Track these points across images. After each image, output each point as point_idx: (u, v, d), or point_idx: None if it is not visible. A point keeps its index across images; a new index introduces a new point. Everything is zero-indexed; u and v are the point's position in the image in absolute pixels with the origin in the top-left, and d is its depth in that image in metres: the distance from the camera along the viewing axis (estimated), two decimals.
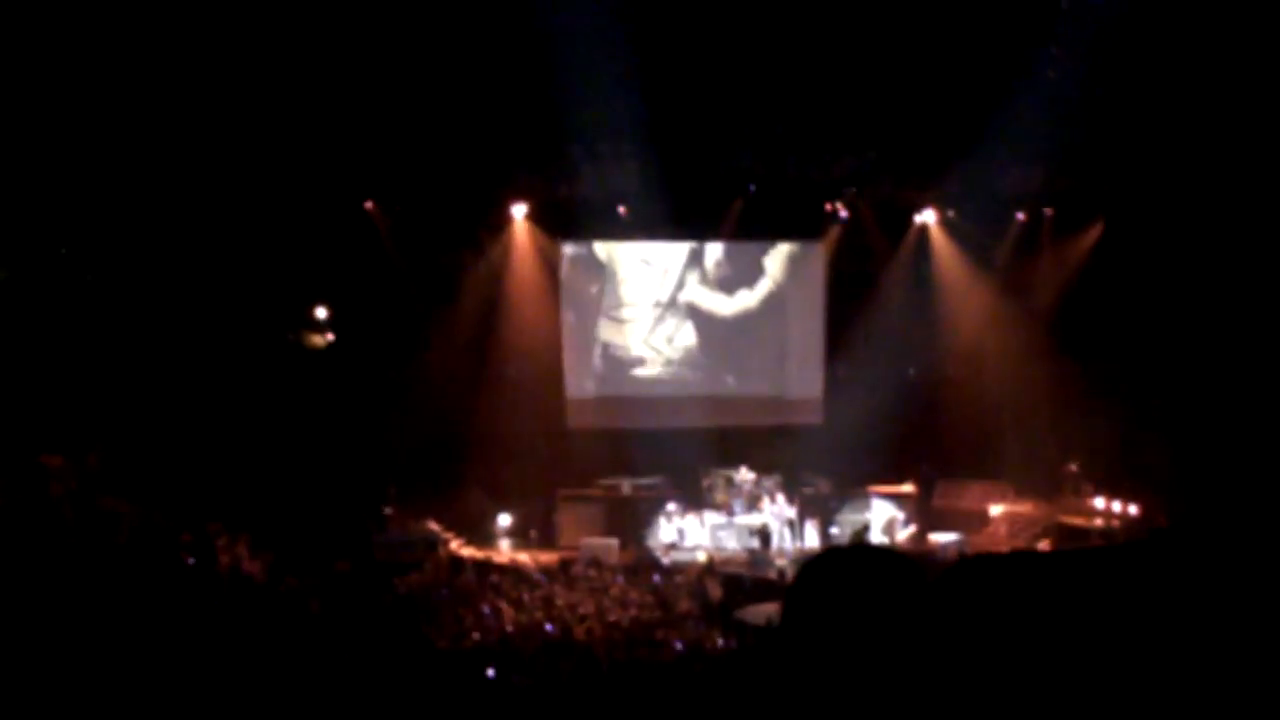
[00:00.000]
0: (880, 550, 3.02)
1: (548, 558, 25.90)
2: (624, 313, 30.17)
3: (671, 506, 27.73)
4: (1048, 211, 29.98)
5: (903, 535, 27.89)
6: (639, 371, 30.25)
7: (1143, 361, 27.35)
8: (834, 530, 27.86)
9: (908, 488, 28.80)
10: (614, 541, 26.66)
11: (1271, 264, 25.43)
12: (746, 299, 30.51)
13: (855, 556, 3.06)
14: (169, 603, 17.62)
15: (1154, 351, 27.11)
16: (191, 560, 19.89)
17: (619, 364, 30.21)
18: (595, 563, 24.72)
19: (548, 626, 19.92)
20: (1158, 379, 26.94)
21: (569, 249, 29.98)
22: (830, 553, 3.07)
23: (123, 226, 25.78)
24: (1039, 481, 28.96)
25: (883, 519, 28.16)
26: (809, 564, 3.06)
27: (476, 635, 19.59)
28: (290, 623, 18.82)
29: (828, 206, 30.27)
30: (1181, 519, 24.66)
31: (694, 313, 30.33)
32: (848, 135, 28.38)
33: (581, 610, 20.97)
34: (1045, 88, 24.87)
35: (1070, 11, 24.79)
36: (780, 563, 25.75)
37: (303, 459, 24.92)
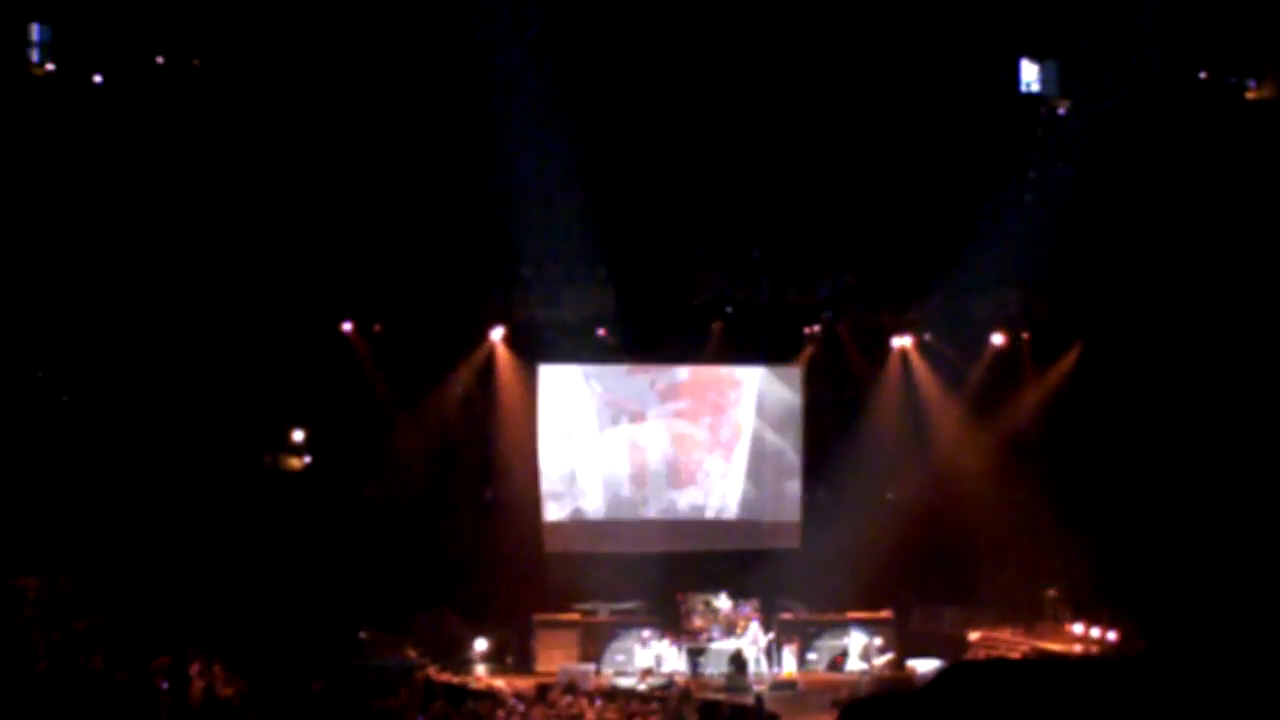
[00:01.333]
0: (913, 695, 3.00)
1: (524, 683, 25.60)
2: (601, 436, 30.07)
3: (647, 633, 27.50)
4: (1025, 335, 30.07)
5: (880, 661, 27.67)
6: (616, 495, 30.08)
7: (1121, 486, 27.37)
8: (811, 656, 27.70)
9: (885, 613, 28.60)
10: (591, 667, 26.44)
11: (1245, 388, 25.54)
12: (725, 422, 30.46)
13: (892, 705, 3.02)
14: None
15: (1133, 476, 27.15)
16: (165, 684, 19.65)
17: (596, 487, 30.04)
18: (573, 688, 24.44)
19: None
20: (1136, 504, 26.95)
21: (546, 371, 29.90)
22: (867, 703, 3.03)
23: (98, 349, 25.75)
24: (1018, 607, 28.84)
25: (860, 645, 27.97)
26: (852, 708, 3.02)
27: None
28: None
29: (805, 329, 30.35)
30: (1159, 644, 24.56)
31: (672, 436, 30.25)
32: (824, 259, 28.57)
33: None
34: (1022, 212, 25.09)
35: (1046, 136, 25.08)
36: (758, 689, 25.52)
37: (279, 582, 24.74)
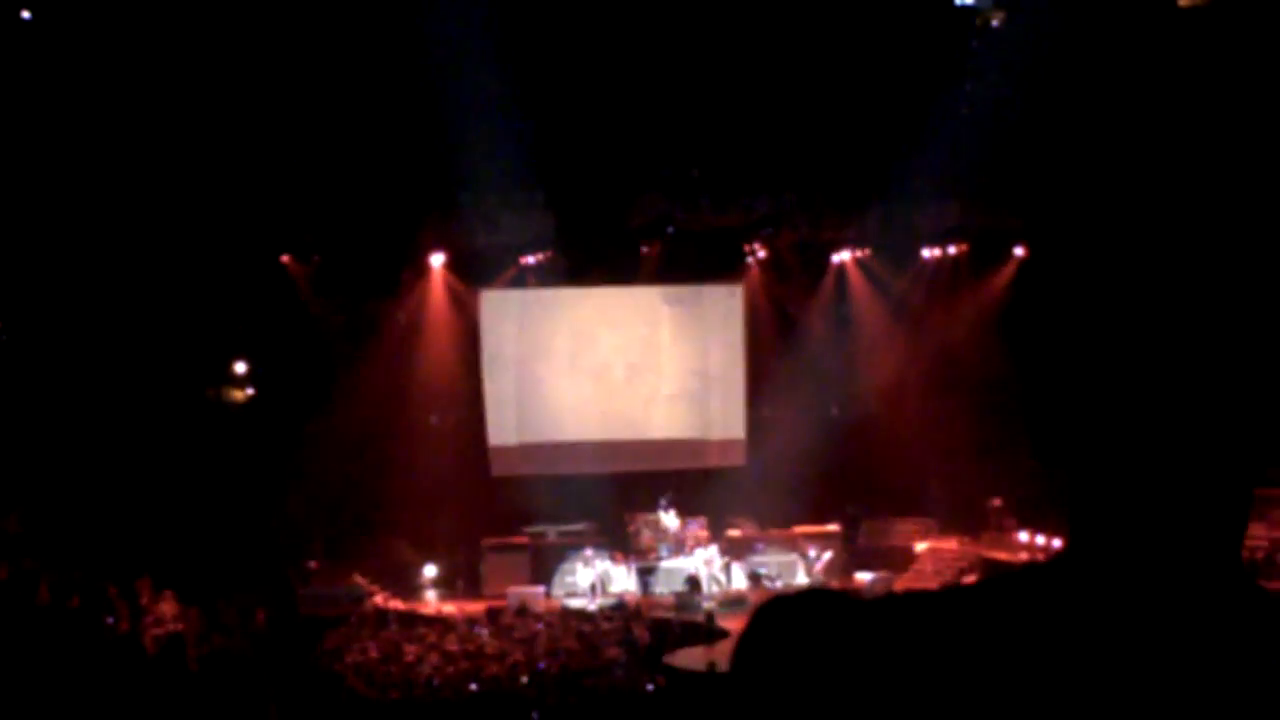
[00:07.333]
0: (832, 593, 3.00)
1: (474, 607, 25.72)
2: (544, 359, 30.10)
3: (589, 552, 27.52)
4: (953, 250, 30.07)
5: (820, 565, 27.76)
6: (560, 417, 30.13)
7: (1061, 394, 27.54)
8: (761, 571, 27.83)
9: (833, 527, 28.76)
10: (541, 589, 26.54)
11: (1180, 290, 25.65)
12: (667, 342, 30.50)
13: (809, 601, 3.01)
14: (90, 663, 17.42)
15: (1071, 384, 27.32)
16: (111, 620, 19.68)
17: (540, 411, 30.08)
18: (523, 611, 24.58)
19: (476, 678, 19.80)
20: (1075, 412, 27.11)
21: (488, 296, 29.89)
22: (783, 599, 3.02)
23: (36, 285, 25.56)
24: (963, 517, 29.05)
25: (807, 558, 28.13)
26: (761, 610, 3.01)
27: (403, 689, 19.46)
28: (217, 680, 18.64)
29: (746, 248, 30.39)
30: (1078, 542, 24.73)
31: (614, 357, 30.28)
32: (764, 177, 28.54)
33: (510, 659, 20.85)
34: (960, 125, 25.08)
35: (982, 49, 25.05)
36: (707, 606, 25.68)
37: (226, 514, 24.71)
